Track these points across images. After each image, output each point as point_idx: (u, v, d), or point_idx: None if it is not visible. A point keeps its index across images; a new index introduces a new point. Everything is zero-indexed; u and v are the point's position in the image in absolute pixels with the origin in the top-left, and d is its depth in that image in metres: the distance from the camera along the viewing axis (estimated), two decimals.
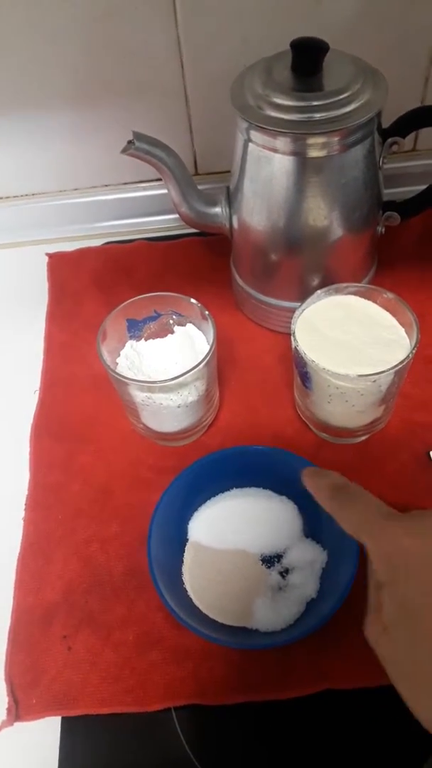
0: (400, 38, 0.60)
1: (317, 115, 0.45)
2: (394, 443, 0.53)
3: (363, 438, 0.53)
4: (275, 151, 0.47)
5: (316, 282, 0.56)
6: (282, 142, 0.46)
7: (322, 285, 0.54)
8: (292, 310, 0.57)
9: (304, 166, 0.47)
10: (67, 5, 0.57)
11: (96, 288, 0.67)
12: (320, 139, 0.46)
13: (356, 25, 0.59)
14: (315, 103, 0.45)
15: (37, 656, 0.45)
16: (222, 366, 0.56)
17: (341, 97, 0.46)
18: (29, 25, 0.58)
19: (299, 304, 0.53)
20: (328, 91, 0.46)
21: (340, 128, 0.45)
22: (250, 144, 0.49)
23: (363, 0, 0.58)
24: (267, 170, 0.49)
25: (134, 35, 0.59)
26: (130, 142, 0.50)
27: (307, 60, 0.46)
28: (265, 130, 0.46)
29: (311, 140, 0.46)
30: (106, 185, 0.72)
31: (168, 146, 0.52)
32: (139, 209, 0.73)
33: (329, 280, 0.54)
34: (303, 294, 0.56)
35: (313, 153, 0.47)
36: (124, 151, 0.50)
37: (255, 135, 0.48)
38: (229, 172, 0.55)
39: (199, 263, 0.68)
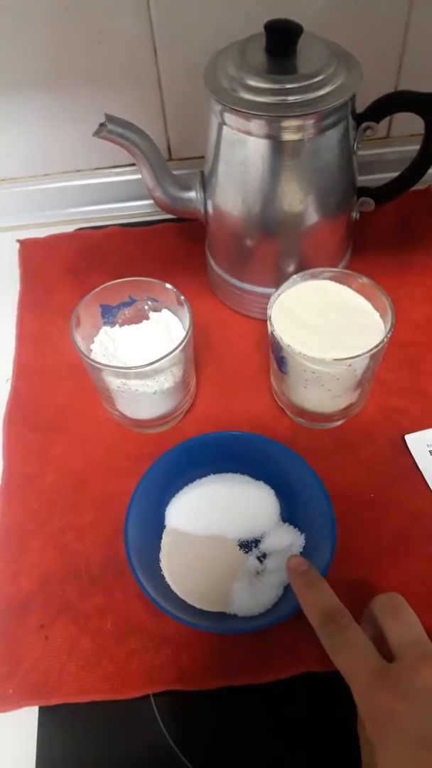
0: (373, 24, 0.60)
1: (291, 98, 0.45)
2: (369, 428, 0.53)
3: (339, 423, 0.53)
4: (249, 134, 0.47)
5: (291, 267, 0.56)
6: (256, 125, 0.46)
7: (298, 270, 0.54)
8: (268, 296, 0.56)
9: (278, 149, 0.47)
10: None
11: (69, 275, 0.66)
12: (294, 122, 0.45)
13: (330, 11, 0.58)
14: (289, 85, 0.45)
15: (14, 646, 0.44)
16: (198, 352, 0.56)
17: (315, 80, 0.45)
18: (2, 15, 0.57)
19: (275, 289, 0.52)
20: (302, 74, 0.46)
21: (315, 111, 0.45)
22: (225, 127, 0.48)
23: None
24: (241, 153, 0.48)
25: (107, 21, 0.58)
26: (102, 124, 0.49)
27: (281, 42, 0.46)
28: (239, 113, 0.46)
29: (285, 123, 0.45)
30: (78, 170, 0.71)
31: (141, 129, 0.51)
32: (112, 195, 0.72)
33: (305, 266, 0.54)
34: (278, 279, 0.56)
35: (288, 136, 0.46)
36: (96, 133, 0.49)
37: (229, 118, 0.47)
38: (203, 158, 0.55)
39: (173, 249, 0.68)
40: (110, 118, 0.49)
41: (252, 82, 0.45)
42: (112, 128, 0.49)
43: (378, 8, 0.59)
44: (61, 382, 0.57)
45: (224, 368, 0.58)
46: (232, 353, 0.59)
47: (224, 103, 0.46)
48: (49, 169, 0.70)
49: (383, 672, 0.34)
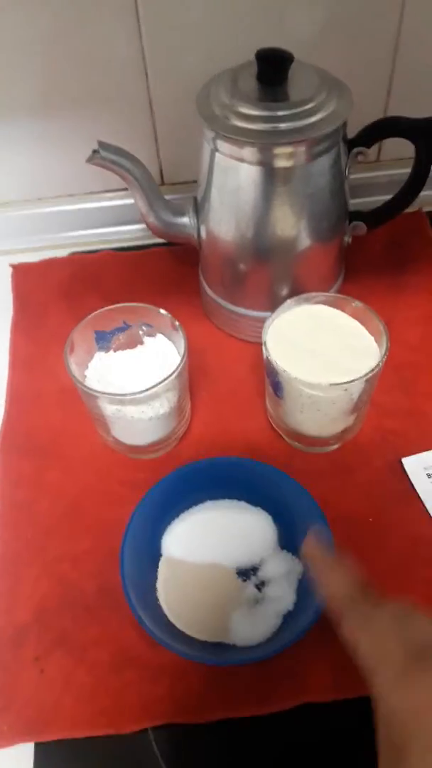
0: (362, 50, 0.61)
1: (283, 125, 0.45)
2: (366, 451, 0.53)
3: (335, 446, 0.53)
4: (242, 160, 0.47)
5: (285, 291, 0.56)
6: (248, 152, 0.46)
7: (291, 294, 0.54)
8: (262, 320, 0.57)
9: (271, 175, 0.47)
10: (31, 18, 0.56)
11: (62, 299, 0.66)
12: (287, 149, 0.46)
13: (319, 38, 0.59)
14: (281, 113, 0.45)
15: (9, 680, 0.43)
16: (193, 376, 0.56)
17: (307, 107, 0.46)
18: None
19: (269, 313, 0.52)
20: (293, 101, 0.46)
21: (306, 138, 0.45)
22: (217, 154, 0.48)
23: (325, 13, 0.58)
24: (234, 180, 0.49)
25: (98, 47, 0.59)
26: (95, 151, 0.49)
27: (272, 70, 0.46)
28: (231, 140, 0.46)
29: (278, 150, 0.46)
30: (71, 195, 0.71)
31: (134, 156, 0.51)
32: (106, 219, 0.72)
33: (298, 289, 0.54)
34: (272, 303, 0.56)
35: (280, 163, 0.47)
36: (89, 160, 0.50)
37: (222, 145, 0.47)
38: (195, 182, 0.55)
39: (167, 273, 0.68)
40: (103, 145, 0.49)
41: (244, 110, 0.46)
42: (105, 155, 0.49)
43: (367, 34, 0.60)
44: (55, 407, 0.57)
45: (219, 392, 0.58)
46: (227, 377, 0.59)
47: (217, 130, 0.46)
48: (42, 194, 0.71)
49: (417, 661, 0.28)
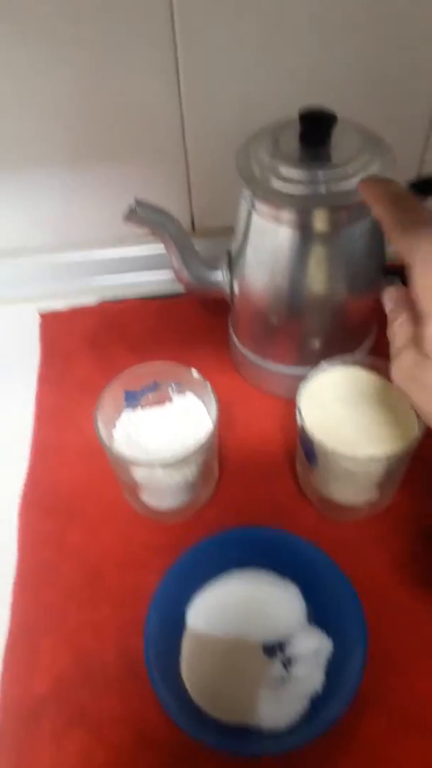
0: (399, 104, 0.60)
1: (324, 189, 0.44)
2: (400, 519, 0.51)
3: (368, 513, 0.51)
4: (280, 222, 0.46)
5: (316, 347, 0.55)
6: (288, 215, 0.45)
7: (323, 350, 0.53)
8: (292, 376, 0.56)
9: (309, 238, 0.46)
10: (65, 67, 0.56)
11: (89, 348, 0.65)
12: (327, 214, 0.45)
13: (355, 90, 0.58)
14: (322, 176, 0.44)
15: (25, 757, 0.41)
16: (220, 432, 0.54)
17: (349, 169, 0.45)
18: (27, 86, 0.57)
19: (299, 369, 0.51)
20: (335, 163, 0.45)
21: (348, 204, 0.44)
22: (254, 214, 0.47)
23: (362, 65, 0.58)
24: (271, 240, 0.48)
25: (134, 98, 0.59)
26: (131, 209, 0.49)
27: (315, 130, 0.45)
28: (270, 202, 0.45)
29: (317, 214, 0.45)
30: (102, 241, 0.70)
31: (168, 213, 0.50)
32: (135, 265, 0.71)
33: (330, 345, 0.53)
34: (303, 359, 0.55)
35: (320, 226, 0.45)
36: (126, 218, 0.49)
37: (260, 206, 0.46)
38: (226, 228, 0.54)
39: (195, 322, 0.67)
40: (140, 203, 0.48)
41: (285, 172, 0.45)
42: (142, 213, 0.48)
43: (403, 88, 0.59)
44: (80, 462, 0.56)
45: (247, 449, 0.56)
46: (255, 434, 0.57)
47: (257, 192, 0.45)
48: (72, 240, 0.70)
49: None
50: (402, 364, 0.32)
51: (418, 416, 0.45)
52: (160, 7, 0.53)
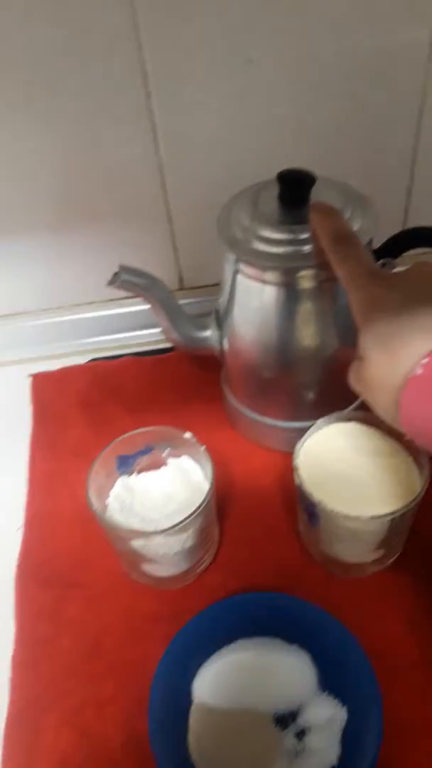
0: (378, 159, 0.61)
1: (307, 248, 0.44)
2: (410, 571, 0.49)
3: (375, 569, 0.49)
4: (265, 282, 0.46)
5: (311, 401, 0.54)
6: (272, 275, 0.45)
7: (318, 404, 0.52)
8: (289, 430, 0.55)
9: (295, 296, 0.46)
10: (47, 136, 0.57)
11: (82, 409, 0.65)
12: (310, 272, 0.45)
13: (337, 148, 0.59)
14: (304, 236, 0.44)
15: None
16: (218, 490, 0.53)
17: None
18: (8, 153, 0.58)
19: (295, 423, 0.50)
20: None
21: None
22: (239, 275, 0.48)
23: (340, 122, 0.59)
24: (257, 300, 0.48)
25: (115, 162, 0.60)
26: (116, 274, 0.49)
27: (294, 191, 0.46)
28: (254, 264, 0.45)
29: (302, 273, 0.45)
30: (91, 302, 0.71)
31: (153, 276, 0.51)
32: (125, 324, 0.71)
33: (325, 399, 0.53)
34: (299, 414, 0.54)
35: (305, 284, 0.46)
36: (110, 283, 0.49)
37: (244, 267, 0.47)
38: (215, 285, 0.54)
39: (188, 378, 0.66)
40: (124, 268, 0.49)
41: (266, 233, 0.45)
42: (126, 278, 0.48)
43: (386, 145, 0.60)
44: (75, 529, 0.54)
45: (247, 508, 0.55)
46: (255, 491, 0.56)
47: (239, 255, 0.45)
48: (61, 302, 0.70)
49: (379, 273, 0.37)
50: (351, 369, 0.37)
51: (421, 468, 0.44)
52: (134, 73, 0.54)
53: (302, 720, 0.43)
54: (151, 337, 0.71)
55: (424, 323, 0.32)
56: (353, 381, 0.38)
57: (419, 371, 0.31)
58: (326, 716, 0.42)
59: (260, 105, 0.57)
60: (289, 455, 0.46)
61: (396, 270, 0.48)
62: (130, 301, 0.70)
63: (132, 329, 0.71)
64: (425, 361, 0.31)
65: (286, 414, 0.55)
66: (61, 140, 0.58)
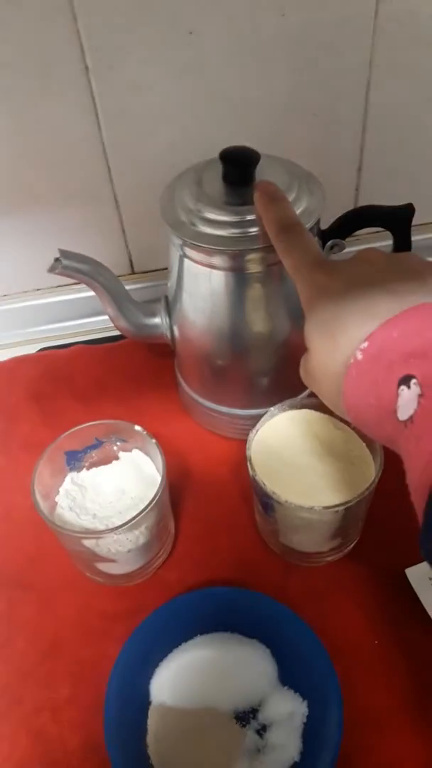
0: (328, 135, 0.59)
1: (253, 230, 0.42)
2: (368, 560, 0.49)
3: (333, 558, 0.49)
4: (212, 267, 0.44)
5: (264, 388, 0.53)
6: (219, 259, 0.43)
7: (272, 391, 0.51)
8: (243, 418, 0.54)
9: (243, 280, 0.45)
10: None
11: (33, 400, 0.62)
12: (258, 254, 0.43)
13: (283, 125, 0.57)
14: (249, 217, 0.42)
15: None
16: (174, 482, 0.52)
17: None
18: None
19: (249, 411, 0.49)
20: None
21: None
22: (186, 260, 0.46)
23: (286, 98, 0.57)
24: (205, 285, 0.46)
25: (58, 143, 0.57)
26: (56, 260, 0.46)
27: (238, 171, 0.44)
28: (200, 248, 0.43)
29: (249, 256, 0.43)
30: (38, 289, 0.68)
31: (98, 262, 0.48)
32: (75, 311, 0.69)
33: (278, 386, 0.51)
34: (253, 401, 0.53)
35: (253, 268, 0.44)
36: (51, 270, 0.46)
37: (190, 252, 0.45)
38: (166, 269, 0.52)
39: (142, 366, 0.65)
40: (65, 254, 0.46)
41: (211, 215, 0.43)
42: (68, 264, 0.46)
43: (334, 120, 0.59)
44: (27, 528, 0.53)
45: (204, 499, 0.54)
46: (211, 481, 0.55)
47: (184, 238, 0.43)
48: (7, 290, 0.67)
49: (324, 262, 0.36)
50: (301, 363, 0.37)
51: (374, 455, 0.43)
52: (71, 46, 0.51)
53: (263, 716, 0.42)
54: (103, 324, 0.69)
55: (364, 306, 0.31)
56: (302, 374, 0.37)
57: (359, 356, 0.30)
58: (287, 711, 0.42)
59: (203, 79, 0.55)
60: (245, 443, 0.45)
61: (345, 251, 0.47)
62: (78, 287, 0.68)
63: (82, 316, 0.69)
64: (364, 345, 0.30)
65: (241, 402, 0.54)
66: (1, 122, 0.55)
